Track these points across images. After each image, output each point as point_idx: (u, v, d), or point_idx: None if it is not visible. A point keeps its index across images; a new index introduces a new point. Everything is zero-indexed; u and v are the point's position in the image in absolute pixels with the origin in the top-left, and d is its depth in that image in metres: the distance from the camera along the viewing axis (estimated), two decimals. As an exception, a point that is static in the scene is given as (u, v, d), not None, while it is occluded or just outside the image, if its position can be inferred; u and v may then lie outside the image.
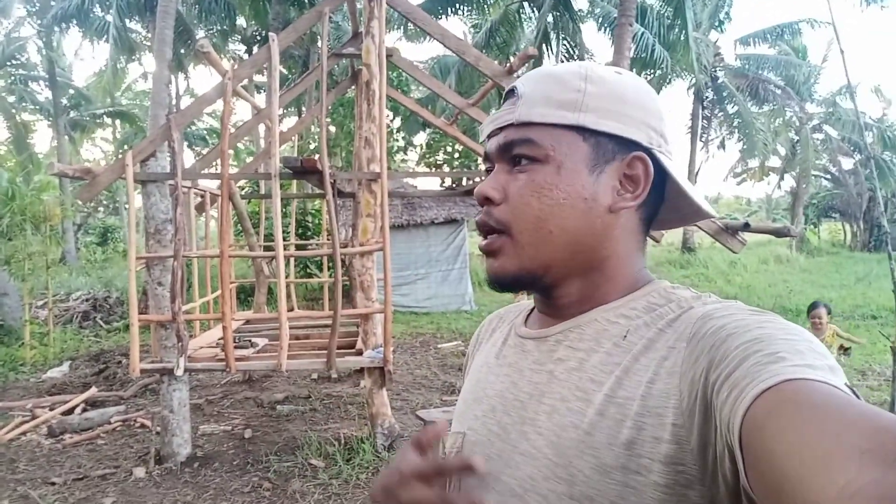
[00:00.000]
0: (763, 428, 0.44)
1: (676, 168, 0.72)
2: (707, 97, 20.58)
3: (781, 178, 25.78)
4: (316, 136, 15.29)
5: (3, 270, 8.39)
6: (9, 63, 18.51)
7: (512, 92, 0.72)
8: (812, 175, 22.20)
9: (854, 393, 0.47)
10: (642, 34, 13.39)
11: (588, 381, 0.65)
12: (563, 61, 15.86)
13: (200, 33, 17.89)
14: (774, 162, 25.28)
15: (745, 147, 20.46)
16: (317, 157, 4.73)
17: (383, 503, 0.63)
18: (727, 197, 54.32)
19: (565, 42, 15.34)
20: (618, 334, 0.67)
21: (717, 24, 19.15)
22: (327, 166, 4.43)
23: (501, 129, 0.71)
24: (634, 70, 16.35)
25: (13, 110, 20.14)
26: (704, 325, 0.60)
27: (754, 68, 19.40)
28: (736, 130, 20.27)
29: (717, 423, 0.50)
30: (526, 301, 0.87)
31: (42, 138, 51.36)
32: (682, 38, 11.28)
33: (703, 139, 21.72)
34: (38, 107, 21.14)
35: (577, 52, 15.50)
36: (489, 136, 0.74)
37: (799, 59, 19.70)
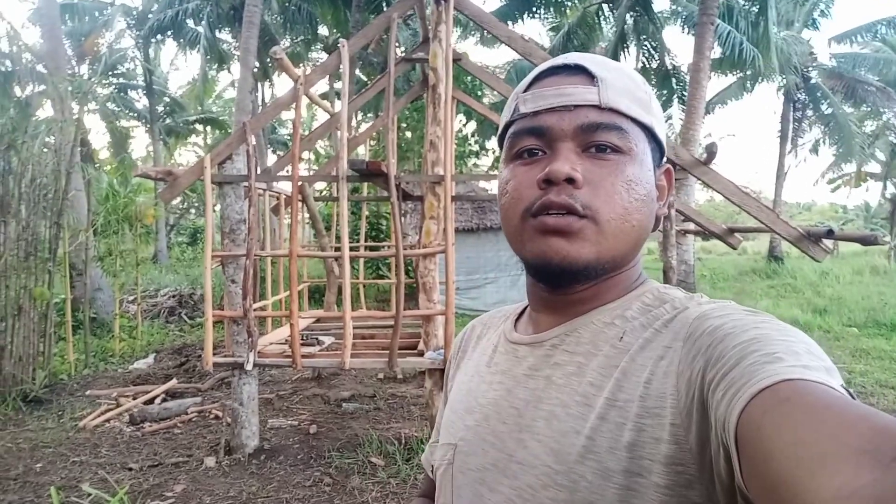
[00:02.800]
0: (759, 428, 0.43)
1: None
2: (798, 98, 19.56)
3: (885, 187, 24.21)
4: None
5: (97, 267, 8.91)
6: (110, 73, 19.80)
7: (567, 69, 0.68)
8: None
9: (850, 394, 0.46)
10: (729, 33, 12.90)
11: (588, 386, 0.63)
12: (643, 63, 15.51)
13: (285, 43, 18.56)
14: (872, 167, 23.75)
15: (840, 151, 19.34)
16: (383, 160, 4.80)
17: None
18: (821, 204, 51.45)
19: (646, 43, 14.99)
20: (615, 336, 0.66)
21: (811, 22, 18.19)
22: (393, 169, 4.50)
23: (569, 107, 0.66)
24: (721, 70, 15.78)
25: (113, 117, 21.54)
26: (701, 324, 0.59)
27: (850, 67, 18.28)
28: (829, 134, 19.19)
29: (713, 422, 0.50)
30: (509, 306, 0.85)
31: (139, 143, 54.92)
32: (765, 35, 10.78)
33: (794, 142, 20.66)
34: (135, 114, 22.50)
35: (657, 53, 15.12)
36: (541, 111, 0.68)
37: (900, 57, 18.45)
